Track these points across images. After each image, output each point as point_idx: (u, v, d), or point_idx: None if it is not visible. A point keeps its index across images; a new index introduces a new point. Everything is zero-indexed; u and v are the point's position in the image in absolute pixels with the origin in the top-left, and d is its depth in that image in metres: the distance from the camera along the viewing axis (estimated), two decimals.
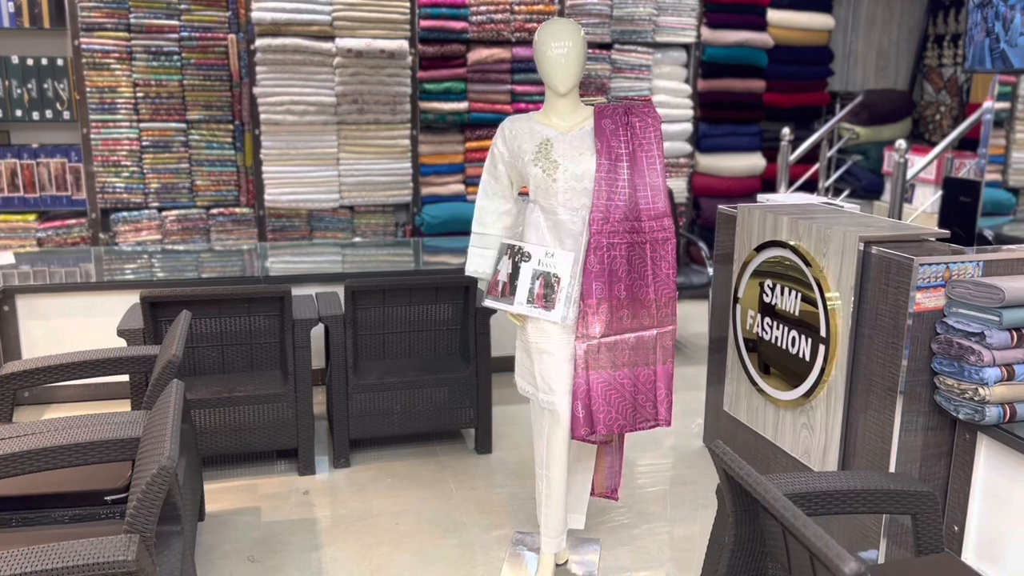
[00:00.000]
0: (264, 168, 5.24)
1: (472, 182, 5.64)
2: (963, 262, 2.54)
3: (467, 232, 5.75)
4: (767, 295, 3.12)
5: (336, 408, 3.41)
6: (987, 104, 4.19)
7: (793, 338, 2.98)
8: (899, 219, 4.56)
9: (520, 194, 2.70)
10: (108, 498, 2.27)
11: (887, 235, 2.76)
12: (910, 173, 4.60)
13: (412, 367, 3.51)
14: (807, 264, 2.88)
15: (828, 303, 2.79)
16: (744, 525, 1.78)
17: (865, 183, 5.89)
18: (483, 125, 5.55)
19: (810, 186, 5.94)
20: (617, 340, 2.49)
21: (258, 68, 5.11)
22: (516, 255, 2.56)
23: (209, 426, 3.21)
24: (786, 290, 3.01)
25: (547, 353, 2.53)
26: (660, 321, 2.54)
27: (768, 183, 6.01)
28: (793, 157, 5.56)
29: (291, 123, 5.20)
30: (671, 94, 5.86)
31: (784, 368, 3.05)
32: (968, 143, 5.53)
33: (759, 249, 3.17)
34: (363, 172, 5.40)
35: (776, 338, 3.08)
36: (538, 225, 2.54)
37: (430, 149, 5.55)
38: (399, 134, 5.42)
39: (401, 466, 3.48)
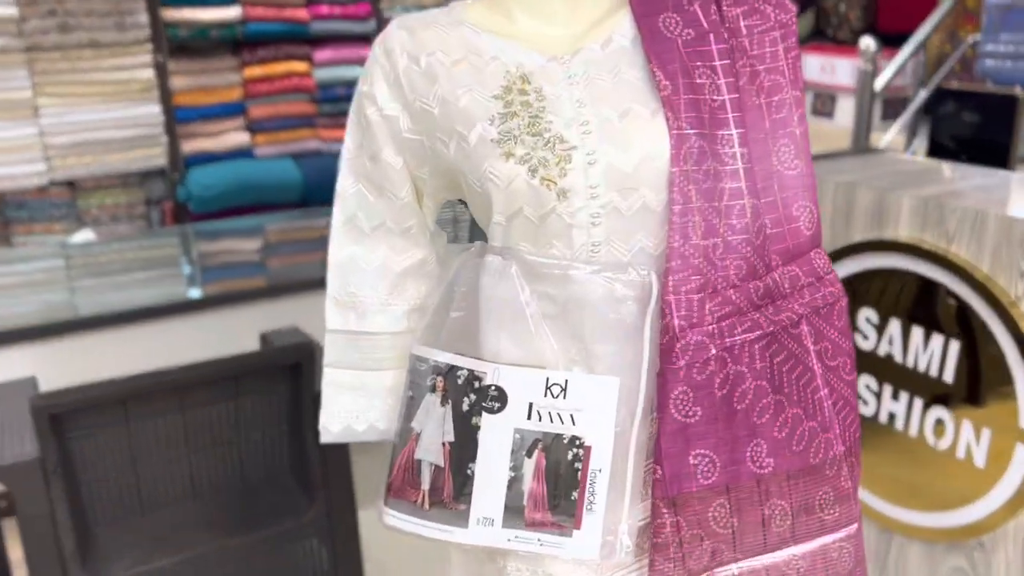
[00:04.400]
0: None
1: (261, 127, 3.81)
2: None
3: (261, 207, 3.98)
4: (866, 338, 1.72)
5: None
6: None
7: (939, 420, 1.61)
8: (867, 148, 3.34)
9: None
10: None
11: None
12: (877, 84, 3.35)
13: (202, 524, 1.83)
14: (979, 292, 1.50)
15: None
16: None
17: None
18: (268, 41, 3.71)
19: None
20: (764, 570, 0.99)
21: None
22: (464, 391, 0.96)
23: None
24: (918, 335, 1.62)
25: None
26: (854, 503, 1.04)
27: None
28: None
29: None
30: None
31: (919, 471, 1.68)
32: (891, 39, 4.39)
33: (843, 253, 1.74)
34: (83, 126, 3.43)
35: (895, 416, 1.70)
36: (518, 310, 0.93)
37: (188, 83, 3.65)
38: (135, 62, 3.47)
39: None
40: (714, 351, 0.92)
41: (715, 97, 0.93)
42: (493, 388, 0.94)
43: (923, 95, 3.41)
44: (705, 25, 0.95)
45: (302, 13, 3.72)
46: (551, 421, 0.94)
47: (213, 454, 1.84)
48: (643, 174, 0.90)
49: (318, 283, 2.70)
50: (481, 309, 0.95)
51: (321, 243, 3.50)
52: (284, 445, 1.91)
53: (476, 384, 0.95)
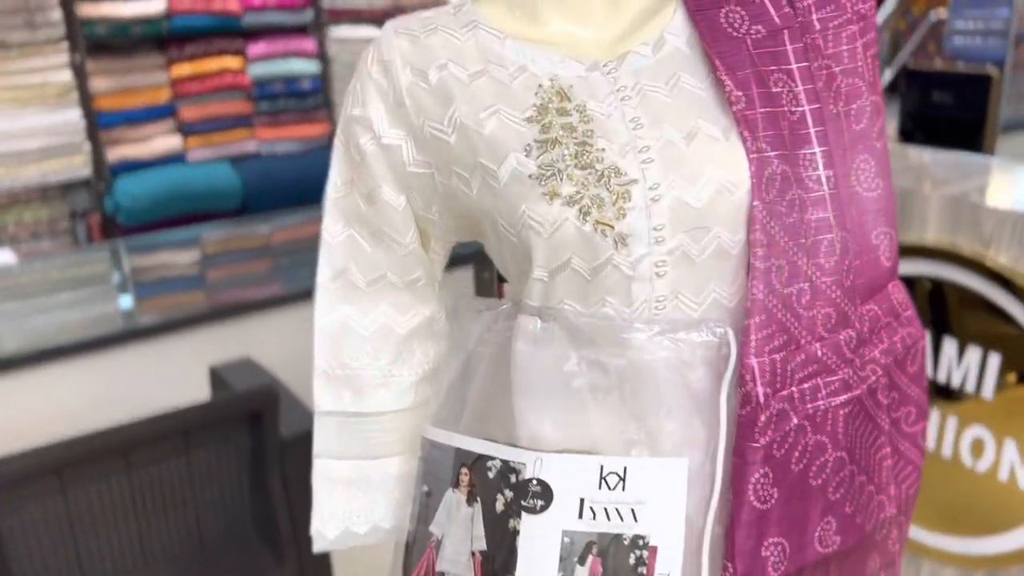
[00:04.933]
0: None
1: (193, 130, 3.52)
2: None
3: (197, 217, 3.67)
4: None
5: None
6: None
7: (977, 440, 1.48)
8: None
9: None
10: None
11: None
12: None
13: None
14: (1022, 300, 1.36)
15: None
16: None
17: None
18: (197, 36, 3.43)
19: None
20: None
21: None
22: (497, 487, 0.77)
23: None
24: (951, 348, 1.49)
25: None
26: (897, 565, 0.91)
27: None
28: None
29: None
30: None
31: (954, 495, 1.55)
32: None
33: None
34: None
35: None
36: (562, 383, 0.74)
37: (110, 84, 3.34)
38: (49, 63, 3.16)
39: None
40: (795, 421, 0.76)
41: (794, 108, 0.76)
42: (534, 482, 0.75)
43: (888, 76, 3.31)
44: (777, 20, 0.77)
45: (233, 5, 3.44)
46: (607, 519, 0.76)
47: (165, 517, 1.61)
48: (718, 210, 0.72)
49: (266, 304, 2.47)
50: (514, 383, 0.76)
51: (266, 253, 3.25)
52: (246, 500, 1.69)
53: (512, 478, 0.76)
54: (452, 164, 0.74)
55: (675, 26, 0.77)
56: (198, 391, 2.09)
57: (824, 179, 0.77)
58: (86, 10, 3.20)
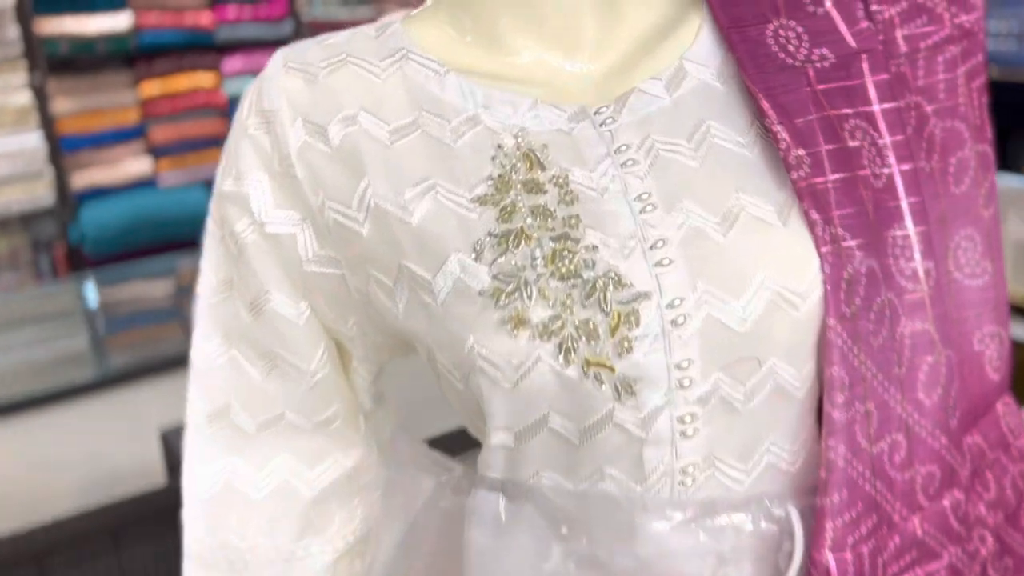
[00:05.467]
0: None
1: (164, 152, 3.30)
2: None
3: (170, 245, 3.42)
4: None
5: None
6: None
7: None
8: None
9: None
10: None
11: None
12: None
13: None
14: None
15: None
16: None
17: None
18: (166, 52, 3.21)
19: None
20: None
21: None
22: None
23: None
24: None
25: None
26: None
27: None
28: None
29: None
30: None
31: None
32: None
33: None
34: None
35: None
36: None
37: (74, 105, 3.12)
38: (6, 84, 2.95)
39: None
40: None
41: (879, 171, 0.51)
42: None
43: None
44: (851, 40, 0.52)
45: (205, 18, 3.21)
46: None
47: None
48: (774, 334, 0.47)
49: None
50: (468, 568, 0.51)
51: None
52: None
53: None
54: (367, 265, 0.50)
55: (700, 51, 0.52)
56: (147, 455, 1.86)
57: (922, 274, 0.52)
58: (46, 26, 2.98)
